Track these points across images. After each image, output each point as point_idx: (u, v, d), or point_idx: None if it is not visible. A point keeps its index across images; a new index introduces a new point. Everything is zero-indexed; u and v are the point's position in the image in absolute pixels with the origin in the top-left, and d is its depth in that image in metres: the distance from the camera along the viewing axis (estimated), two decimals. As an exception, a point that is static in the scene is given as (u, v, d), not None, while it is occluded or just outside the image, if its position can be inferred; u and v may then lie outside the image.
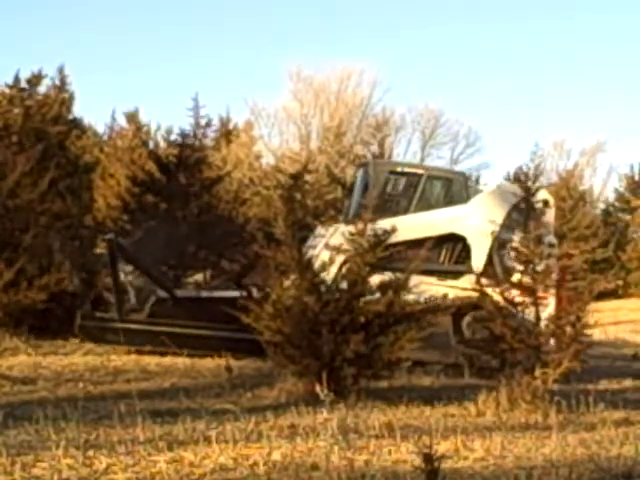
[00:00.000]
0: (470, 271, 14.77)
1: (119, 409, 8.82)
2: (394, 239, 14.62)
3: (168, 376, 12.16)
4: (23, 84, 22.29)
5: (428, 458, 5.62)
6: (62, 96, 23.43)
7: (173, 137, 28.14)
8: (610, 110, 69.71)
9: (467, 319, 14.77)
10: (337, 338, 10.26)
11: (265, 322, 10.74)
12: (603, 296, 29.28)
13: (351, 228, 14.71)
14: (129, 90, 63.95)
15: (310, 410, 9.04)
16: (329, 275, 14.22)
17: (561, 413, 9.63)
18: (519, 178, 15.78)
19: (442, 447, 7.06)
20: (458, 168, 50.73)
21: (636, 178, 45.32)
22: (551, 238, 15.02)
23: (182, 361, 13.78)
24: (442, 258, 15.41)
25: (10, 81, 22.13)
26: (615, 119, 72.72)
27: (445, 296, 14.52)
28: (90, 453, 6.84)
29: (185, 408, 9.34)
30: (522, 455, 7.34)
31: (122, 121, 33.59)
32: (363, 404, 9.84)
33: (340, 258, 14.36)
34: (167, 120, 65.09)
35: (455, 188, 15.85)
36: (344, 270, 14.31)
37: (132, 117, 31.80)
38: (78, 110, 25.72)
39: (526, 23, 74.09)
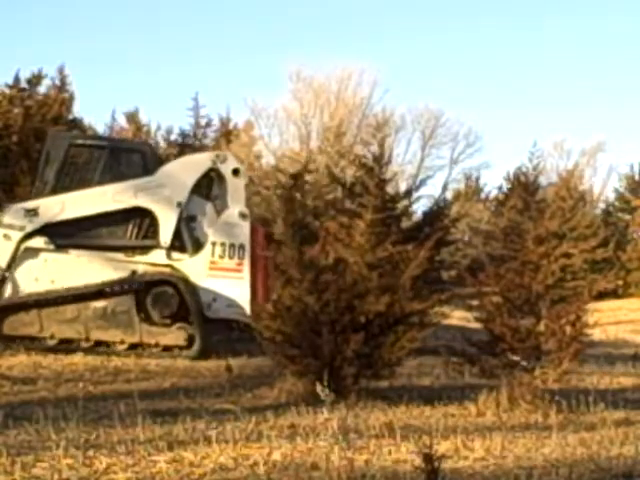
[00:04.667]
0: (158, 245, 14.56)
1: (119, 409, 8.83)
2: (78, 213, 14.56)
3: (168, 376, 12.16)
4: (23, 84, 22.31)
5: (428, 458, 5.63)
6: (62, 96, 23.42)
7: (173, 137, 28.24)
8: (610, 110, 69.78)
9: (151, 296, 14.47)
10: (337, 338, 10.26)
11: (265, 322, 10.74)
12: (603, 296, 29.29)
13: (26, 204, 14.72)
14: (129, 90, 63.92)
15: (310, 410, 9.04)
16: (7, 252, 14.30)
17: (561, 413, 9.63)
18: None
19: (442, 447, 7.07)
20: (458, 168, 50.87)
21: (636, 178, 45.31)
22: (242, 208, 14.80)
23: (182, 361, 13.79)
24: (129, 233, 14.80)
25: (10, 81, 22.16)
26: (615, 119, 72.77)
27: (134, 272, 14.48)
28: (90, 453, 6.84)
29: (185, 408, 9.34)
30: (522, 455, 7.34)
31: (122, 121, 33.60)
32: (363, 404, 9.84)
33: (17, 235, 14.40)
34: (167, 120, 65.06)
35: (143, 159, 15.34)
36: (22, 247, 14.39)
37: (132, 117, 31.76)
38: (78, 110, 25.66)
39: (526, 23, 74.15)
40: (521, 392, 10.01)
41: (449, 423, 8.87)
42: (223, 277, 14.61)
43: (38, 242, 14.52)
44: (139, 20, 69.66)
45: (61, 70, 24.38)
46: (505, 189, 40.91)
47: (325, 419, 8.16)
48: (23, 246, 14.50)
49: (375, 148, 21.02)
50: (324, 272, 10.65)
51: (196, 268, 14.62)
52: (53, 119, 22.06)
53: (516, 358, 10.63)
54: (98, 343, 14.34)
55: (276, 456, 6.92)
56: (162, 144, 28.73)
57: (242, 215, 14.82)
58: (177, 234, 14.69)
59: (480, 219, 39.55)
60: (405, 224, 21.05)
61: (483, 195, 46.60)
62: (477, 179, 48.20)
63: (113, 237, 14.85)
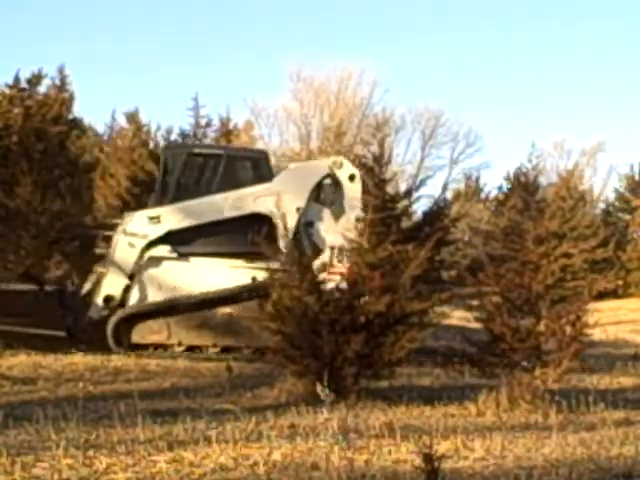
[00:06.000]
0: (278, 251, 14.67)
1: (119, 409, 8.83)
2: (199, 221, 14.68)
3: (168, 376, 12.16)
4: (23, 84, 22.27)
5: (428, 458, 5.63)
6: (62, 96, 23.39)
7: (173, 137, 28.21)
8: (610, 110, 69.79)
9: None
10: (337, 338, 10.26)
11: (265, 322, 10.75)
12: (603, 296, 29.29)
13: (150, 212, 14.83)
14: (129, 90, 63.93)
15: (310, 410, 9.05)
16: (131, 258, 14.40)
17: (561, 413, 9.63)
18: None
19: (442, 447, 7.07)
20: (458, 168, 50.92)
21: (636, 178, 45.27)
22: (358, 212, 14.80)
23: (182, 361, 13.80)
24: (249, 239, 14.82)
25: (10, 81, 22.13)
26: (615, 119, 72.78)
27: (254, 279, 14.46)
28: (90, 453, 6.84)
29: (185, 408, 9.35)
30: (522, 455, 7.34)
31: (122, 121, 33.58)
32: (363, 404, 9.85)
33: (141, 242, 14.50)
34: (167, 120, 65.16)
35: (258, 167, 15.52)
36: (147, 255, 14.50)
37: (132, 117, 31.71)
38: (78, 110, 25.64)
39: (526, 23, 74.11)
40: (521, 392, 10.01)
41: (449, 423, 8.87)
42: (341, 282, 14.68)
43: (161, 250, 14.71)
44: (139, 20, 69.68)
45: (61, 70, 24.34)
46: (505, 189, 40.88)
47: (325, 419, 8.17)
48: (147, 254, 14.65)
49: (375, 148, 21.03)
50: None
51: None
52: (53, 119, 22.03)
53: (516, 358, 10.65)
54: (225, 349, 14.42)
55: (276, 456, 6.92)
56: (162, 144, 28.69)
57: (359, 220, 14.86)
58: (296, 240, 14.73)
59: (480, 219, 39.55)
60: (405, 224, 21.07)
61: (483, 195, 46.58)
62: (477, 179, 48.21)
63: (233, 244, 14.86)
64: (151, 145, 29.48)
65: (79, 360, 13.31)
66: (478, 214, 40.82)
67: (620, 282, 39.42)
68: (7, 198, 19.67)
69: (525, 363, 10.66)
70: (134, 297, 14.63)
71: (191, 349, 14.50)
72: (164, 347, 14.41)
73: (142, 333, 14.49)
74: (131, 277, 14.63)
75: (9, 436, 7.46)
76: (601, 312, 16.67)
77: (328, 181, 15.43)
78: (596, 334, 13.64)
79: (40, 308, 14.31)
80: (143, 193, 24.33)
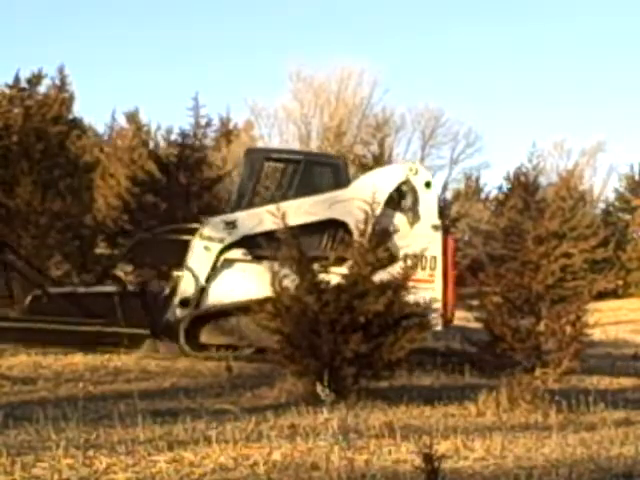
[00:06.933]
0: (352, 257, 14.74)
1: (119, 409, 8.83)
2: (274, 226, 14.74)
3: (168, 376, 12.15)
4: (23, 84, 22.29)
5: (428, 458, 5.62)
6: (62, 96, 23.42)
7: (173, 137, 28.20)
8: (610, 110, 69.84)
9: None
10: (337, 338, 10.26)
11: (264, 322, 10.75)
12: (603, 296, 29.32)
13: (225, 217, 14.91)
14: (129, 90, 64.03)
15: (310, 410, 9.04)
16: (207, 264, 14.46)
17: (561, 413, 9.62)
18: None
19: (442, 447, 7.06)
20: (458, 168, 50.96)
21: (636, 178, 45.30)
22: (434, 220, 14.83)
23: (182, 361, 13.79)
24: (324, 244, 14.89)
25: (10, 81, 22.15)
26: (615, 119, 72.84)
27: (328, 283, 14.54)
28: (90, 453, 6.84)
29: (185, 408, 9.34)
30: (522, 455, 7.34)
31: (122, 121, 33.63)
32: (363, 404, 9.84)
33: (217, 246, 14.56)
34: (167, 120, 65.26)
35: (335, 173, 15.60)
36: (222, 259, 14.56)
37: (132, 117, 31.78)
38: (78, 110, 25.69)
39: (526, 23, 74.17)
40: (521, 392, 10.01)
41: (449, 423, 8.87)
42: (415, 288, 14.69)
43: (236, 253, 14.77)
44: (139, 20, 69.73)
45: (61, 70, 24.40)
46: (505, 189, 40.91)
47: (325, 419, 8.16)
48: (222, 257, 14.73)
49: (375, 148, 20.96)
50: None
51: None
52: (53, 119, 22.06)
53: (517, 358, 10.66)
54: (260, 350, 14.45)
55: (276, 456, 6.91)
56: (162, 144, 28.72)
57: (434, 227, 14.84)
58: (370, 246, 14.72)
59: (480, 219, 39.58)
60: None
61: (483, 195, 46.61)
62: (477, 179, 48.24)
63: (309, 248, 14.90)
64: (151, 145, 29.52)
65: (79, 360, 13.30)
66: (478, 214, 40.85)
67: (620, 282, 39.46)
68: (7, 198, 19.69)
69: (525, 363, 10.67)
70: (209, 299, 14.72)
71: (260, 351, 14.54)
72: (234, 348, 14.45)
73: (213, 334, 14.58)
74: (207, 280, 14.71)
75: (9, 436, 7.46)
76: (601, 312, 16.68)
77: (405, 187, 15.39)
78: (596, 334, 13.66)
79: (124, 308, 14.58)
80: (143, 193, 24.36)
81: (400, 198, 15.29)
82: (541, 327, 11.52)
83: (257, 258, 14.68)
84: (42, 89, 22.94)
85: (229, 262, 14.83)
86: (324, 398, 7.77)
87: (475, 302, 13.84)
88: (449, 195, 44.85)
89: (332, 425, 7.66)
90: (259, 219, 14.69)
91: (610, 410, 10.09)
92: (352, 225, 14.36)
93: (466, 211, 39.24)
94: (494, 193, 44.47)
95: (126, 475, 6.32)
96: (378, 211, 14.79)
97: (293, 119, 47.26)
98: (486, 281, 12.41)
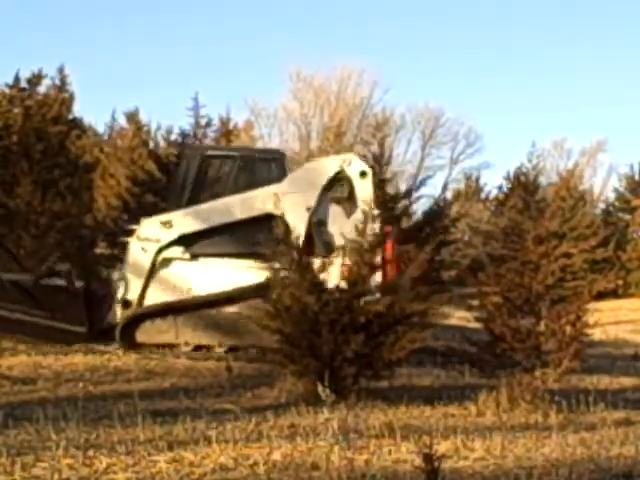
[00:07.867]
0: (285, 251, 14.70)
1: (119, 409, 8.83)
2: (211, 223, 14.75)
3: (168, 376, 12.16)
4: (23, 84, 22.29)
5: (428, 458, 5.62)
6: (62, 96, 23.41)
7: (173, 137, 28.21)
8: (610, 110, 69.85)
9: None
10: (337, 338, 10.26)
11: (264, 322, 10.75)
12: (603, 296, 29.30)
13: (161, 217, 14.92)
14: (129, 90, 63.98)
15: (310, 410, 9.04)
16: (145, 264, 14.50)
17: (561, 413, 9.62)
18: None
19: (442, 447, 7.06)
20: (458, 168, 50.93)
21: (636, 178, 45.31)
22: (370, 209, 14.85)
23: (182, 361, 13.79)
24: (261, 240, 15.11)
25: (10, 81, 22.14)
26: (615, 119, 72.84)
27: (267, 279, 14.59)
28: (90, 453, 6.84)
29: (185, 408, 9.34)
30: (522, 455, 7.34)
31: (122, 121, 33.60)
32: (363, 404, 9.84)
33: (154, 247, 14.60)
34: (167, 120, 65.11)
35: (274, 168, 15.54)
36: (160, 258, 14.59)
37: (132, 117, 31.74)
38: (78, 110, 25.65)
39: (526, 23, 74.17)
40: (521, 392, 10.01)
41: (449, 423, 8.87)
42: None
43: (174, 252, 14.79)
44: (139, 20, 69.73)
45: (61, 70, 24.36)
46: (505, 189, 40.91)
47: (325, 419, 8.17)
48: (160, 257, 14.77)
49: (375, 148, 21.01)
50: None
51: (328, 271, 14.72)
52: (53, 119, 22.05)
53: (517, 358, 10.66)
54: (232, 348, 14.50)
55: (276, 456, 6.91)
56: (162, 144, 28.71)
57: (365, 216, 14.85)
58: (308, 239, 14.68)
59: (480, 219, 39.56)
60: (405, 224, 21.08)
61: (483, 195, 46.62)
62: (477, 179, 48.23)
63: (246, 244, 14.87)
64: (151, 145, 29.49)
65: (79, 360, 13.31)
66: (478, 214, 40.85)
67: (620, 282, 39.45)
68: (7, 198, 19.69)
69: (525, 363, 10.67)
70: (148, 299, 14.73)
71: (197, 348, 14.56)
72: (170, 346, 14.47)
73: (150, 333, 14.59)
74: (146, 280, 14.73)
75: (9, 436, 7.46)
76: (601, 312, 16.67)
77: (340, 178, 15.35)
78: (596, 334, 13.67)
79: (70, 305, 14.64)
80: (143, 193, 24.33)
81: (336, 189, 15.29)
82: (541, 327, 11.52)
83: (194, 256, 14.77)
84: (42, 89, 22.93)
85: (167, 261, 14.84)
86: (324, 398, 7.79)
87: (475, 302, 13.85)
88: (449, 195, 44.83)
89: (332, 425, 7.67)
90: (196, 217, 14.81)
91: (610, 410, 10.09)
92: (288, 219, 14.38)
93: (466, 211, 39.21)
94: (494, 193, 44.50)
95: (126, 475, 6.32)
96: (313, 203, 14.86)
97: (293, 119, 47.32)
98: (486, 281, 12.39)
